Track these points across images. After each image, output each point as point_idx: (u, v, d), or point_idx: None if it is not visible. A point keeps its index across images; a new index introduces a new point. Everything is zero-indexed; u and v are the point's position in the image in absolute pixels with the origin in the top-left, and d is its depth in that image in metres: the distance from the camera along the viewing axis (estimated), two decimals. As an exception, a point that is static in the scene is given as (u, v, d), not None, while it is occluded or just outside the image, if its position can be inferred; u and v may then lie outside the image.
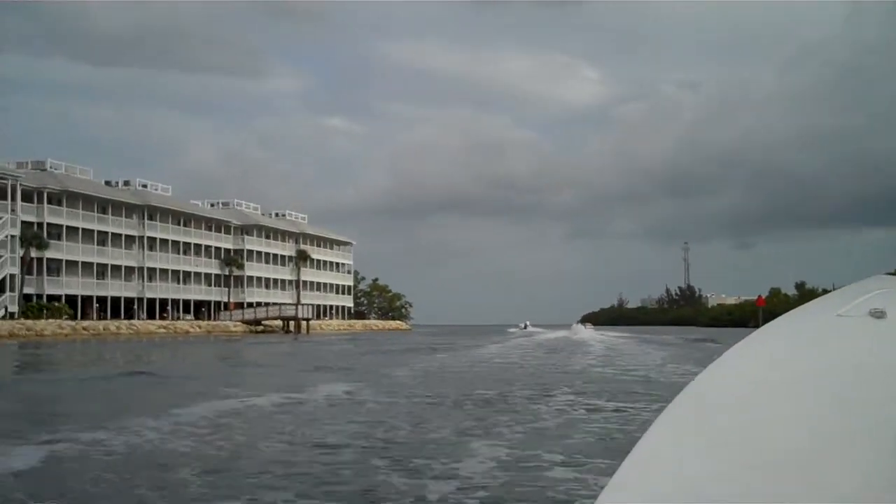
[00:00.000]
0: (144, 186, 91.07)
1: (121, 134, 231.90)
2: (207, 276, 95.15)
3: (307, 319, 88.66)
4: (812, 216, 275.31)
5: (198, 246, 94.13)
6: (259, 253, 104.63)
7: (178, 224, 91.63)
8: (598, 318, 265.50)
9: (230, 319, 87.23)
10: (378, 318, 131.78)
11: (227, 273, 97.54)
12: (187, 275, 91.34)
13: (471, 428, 11.28)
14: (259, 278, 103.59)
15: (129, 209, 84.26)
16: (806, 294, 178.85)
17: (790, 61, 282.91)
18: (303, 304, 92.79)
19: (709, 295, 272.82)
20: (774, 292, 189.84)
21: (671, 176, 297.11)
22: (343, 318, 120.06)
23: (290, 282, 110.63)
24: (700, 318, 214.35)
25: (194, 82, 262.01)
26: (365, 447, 9.69)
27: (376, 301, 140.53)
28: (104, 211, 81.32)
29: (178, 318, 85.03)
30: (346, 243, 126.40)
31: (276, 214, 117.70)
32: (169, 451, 9.54)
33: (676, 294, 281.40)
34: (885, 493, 0.94)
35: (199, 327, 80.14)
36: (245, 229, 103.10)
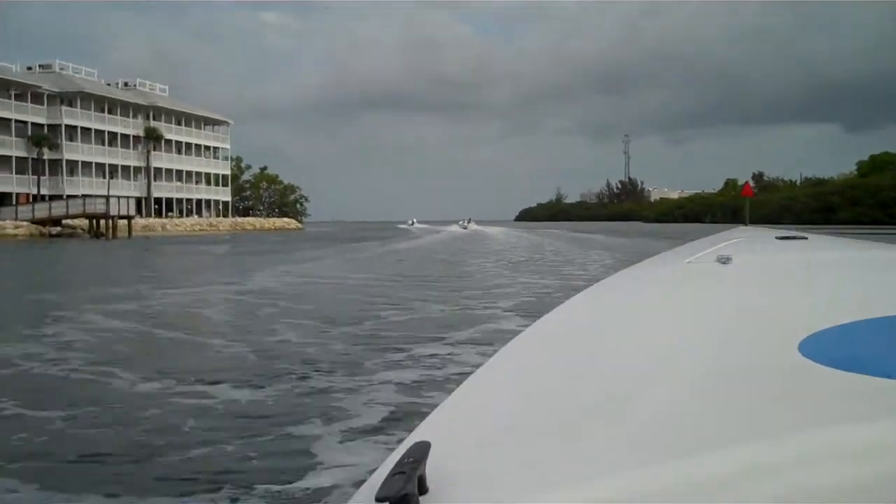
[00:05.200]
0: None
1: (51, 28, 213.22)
2: (5, 159, 69.63)
3: (127, 217, 63.69)
4: (744, 113, 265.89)
5: (-12, 118, 68.22)
6: (87, 130, 78.95)
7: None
8: (536, 214, 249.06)
9: (14, 217, 61.87)
10: (265, 215, 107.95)
11: (35, 156, 72.10)
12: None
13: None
14: (87, 164, 78.03)
15: None
16: (765, 186, 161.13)
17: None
18: (126, 198, 66.99)
19: (651, 189, 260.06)
20: (731, 184, 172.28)
21: (605, 72, 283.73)
22: (221, 215, 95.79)
23: (140, 170, 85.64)
24: (645, 213, 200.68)
25: None
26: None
27: (265, 195, 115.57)
28: None
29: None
30: (220, 122, 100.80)
31: (125, 84, 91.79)
32: None
33: (618, 188, 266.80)
34: (704, 422, 0.94)
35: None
36: (65, 98, 77.24)
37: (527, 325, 1.56)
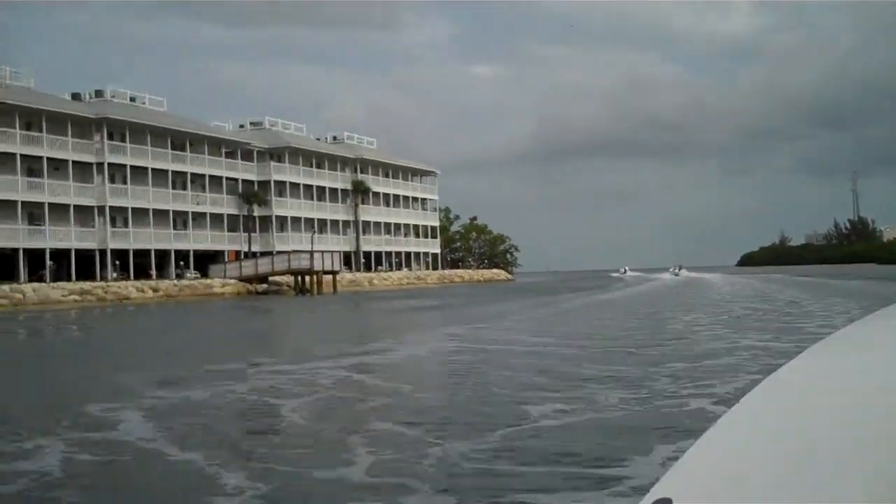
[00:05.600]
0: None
1: (265, 90, 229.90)
2: (217, 217, 69.23)
3: (332, 272, 60.86)
4: None
5: (200, 176, 68.21)
6: (295, 185, 78.06)
7: (173, 148, 66.03)
8: (758, 259, 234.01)
9: (222, 275, 60.41)
10: (475, 267, 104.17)
11: (245, 213, 71.48)
12: (184, 216, 65.61)
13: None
14: (296, 219, 76.94)
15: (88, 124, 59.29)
16: None
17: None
18: (331, 252, 64.10)
19: (884, 228, 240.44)
20: None
21: (824, 107, 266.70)
22: (430, 267, 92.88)
23: (348, 223, 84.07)
24: (878, 253, 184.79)
25: (333, 37, 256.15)
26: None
27: (475, 246, 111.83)
28: None
29: (178, 275, 59.96)
30: (427, 173, 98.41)
31: (335, 138, 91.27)
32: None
33: (846, 228, 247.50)
34: None
35: (155, 290, 53.16)
36: (273, 154, 76.75)
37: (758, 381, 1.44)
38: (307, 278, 59.40)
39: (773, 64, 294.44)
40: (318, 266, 59.18)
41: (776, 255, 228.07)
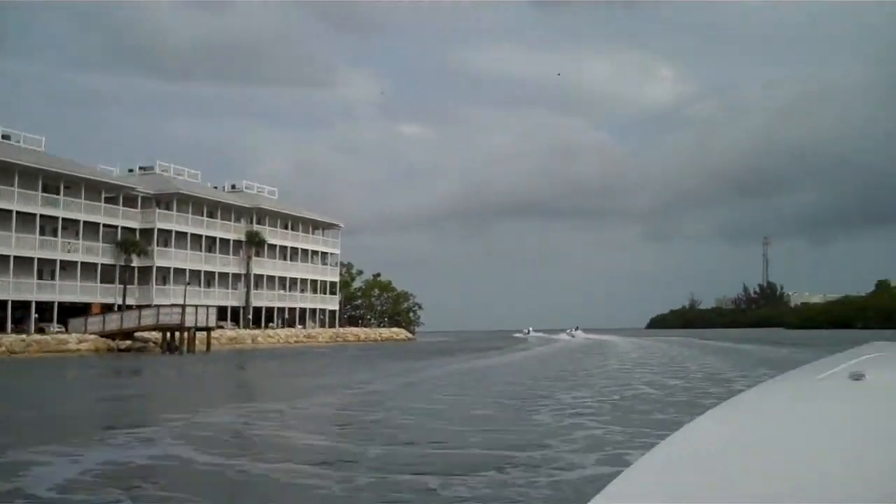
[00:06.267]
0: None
1: (199, 144, 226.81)
2: (90, 266, 64.19)
3: (206, 329, 56.26)
4: (893, 213, 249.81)
5: (73, 222, 63.16)
6: (182, 235, 73.53)
7: (46, 191, 61.12)
8: (668, 322, 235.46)
9: (82, 330, 55.39)
10: (376, 325, 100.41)
11: (122, 263, 66.61)
12: (52, 265, 60.47)
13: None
14: (180, 271, 72.14)
15: None
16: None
17: (876, 57, 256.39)
18: (206, 307, 59.30)
19: (791, 293, 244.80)
20: (884, 286, 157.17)
21: (745, 175, 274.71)
22: (325, 325, 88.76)
23: (240, 277, 79.64)
24: (786, 318, 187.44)
25: (265, 94, 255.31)
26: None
27: (377, 303, 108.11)
28: None
29: (40, 329, 54.80)
30: (330, 225, 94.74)
31: (233, 187, 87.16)
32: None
33: (755, 293, 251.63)
34: None
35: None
36: (160, 200, 72.31)
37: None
38: (178, 335, 54.75)
39: (694, 132, 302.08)
40: (191, 321, 54.60)
41: (685, 319, 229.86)
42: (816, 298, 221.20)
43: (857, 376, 1.95)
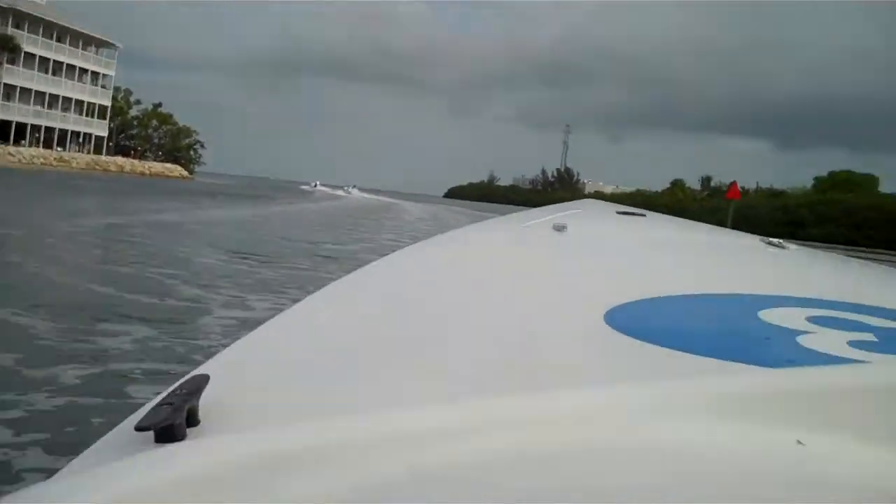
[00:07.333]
0: None
1: None
2: None
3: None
4: (682, 120, 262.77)
5: None
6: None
7: None
8: (466, 193, 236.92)
9: None
10: (151, 159, 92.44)
11: None
12: None
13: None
14: None
15: None
16: (715, 191, 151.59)
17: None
18: None
19: (586, 181, 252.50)
20: (679, 184, 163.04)
21: (552, 66, 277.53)
22: (91, 152, 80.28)
23: (-10, 86, 69.68)
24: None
25: None
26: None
27: (154, 135, 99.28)
28: None
29: None
30: (105, 43, 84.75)
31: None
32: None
33: (553, 176, 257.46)
34: (490, 373, 0.99)
35: None
36: None
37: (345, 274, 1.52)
38: None
39: (514, 17, 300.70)
40: None
41: (482, 193, 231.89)
42: (609, 188, 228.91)
43: (560, 228, 2.18)
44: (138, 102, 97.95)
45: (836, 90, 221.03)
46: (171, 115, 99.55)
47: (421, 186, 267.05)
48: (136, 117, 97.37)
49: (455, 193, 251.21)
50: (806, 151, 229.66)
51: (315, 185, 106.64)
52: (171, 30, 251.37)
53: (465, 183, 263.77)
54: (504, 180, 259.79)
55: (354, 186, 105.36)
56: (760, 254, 2.25)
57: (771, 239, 2.41)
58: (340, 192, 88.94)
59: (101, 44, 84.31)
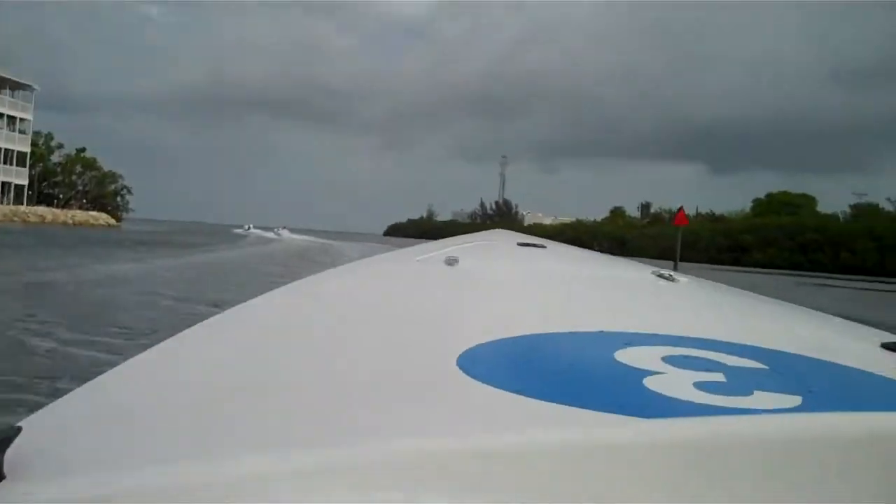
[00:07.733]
0: None
1: None
2: None
3: None
4: (617, 147, 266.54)
5: None
6: None
7: None
8: (406, 230, 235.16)
9: None
10: (75, 207, 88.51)
11: None
12: None
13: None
14: None
15: None
16: (654, 218, 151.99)
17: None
18: None
19: (526, 212, 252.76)
20: (618, 213, 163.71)
21: (482, 97, 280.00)
22: (11, 202, 76.36)
23: None
24: (520, 232, 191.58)
25: None
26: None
27: (79, 182, 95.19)
28: None
29: None
30: (20, 85, 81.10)
31: None
32: None
33: (492, 209, 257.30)
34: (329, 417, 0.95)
35: None
36: None
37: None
38: None
39: (441, 49, 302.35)
40: None
41: (422, 229, 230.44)
42: (548, 220, 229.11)
43: (451, 261, 2.14)
44: (61, 147, 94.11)
45: (760, 112, 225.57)
46: (95, 160, 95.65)
47: (361, 225, 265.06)
48: (59, 163, 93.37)
49: (395, 230, 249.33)
50: (739, 174, 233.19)
51: (248, 228, 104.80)
52: (93, 70, 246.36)
53: (404, 220, 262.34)
54: (443, 215, 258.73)
55: (284, 227, 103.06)
56: (645, 288, 2.15)
57: (662, 271, 2.29)
58: (271, 234, 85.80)
59: (15, 86, 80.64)
